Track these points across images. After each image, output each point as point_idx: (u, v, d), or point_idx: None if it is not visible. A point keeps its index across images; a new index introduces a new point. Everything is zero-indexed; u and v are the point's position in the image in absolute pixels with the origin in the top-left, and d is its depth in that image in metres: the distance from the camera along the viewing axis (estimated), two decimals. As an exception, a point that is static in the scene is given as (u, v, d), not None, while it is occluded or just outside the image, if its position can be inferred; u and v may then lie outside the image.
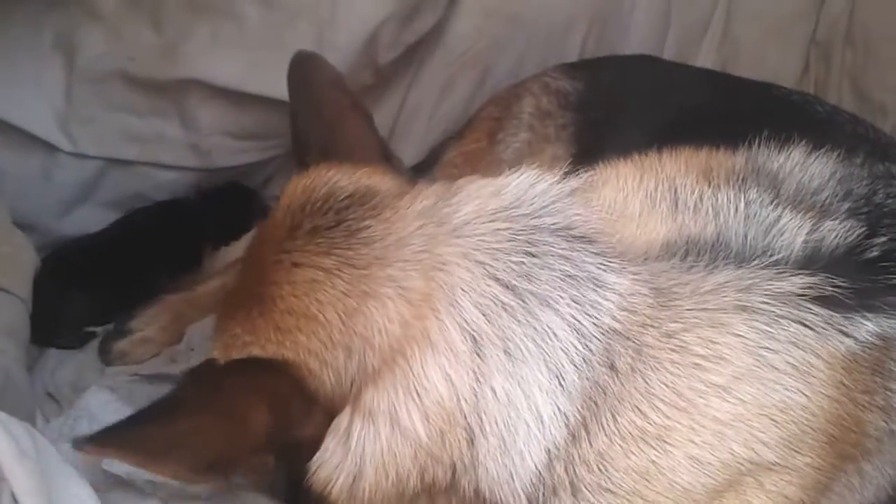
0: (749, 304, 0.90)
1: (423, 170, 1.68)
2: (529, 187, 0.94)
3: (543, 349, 0.87)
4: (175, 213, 1.66)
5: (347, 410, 0.87)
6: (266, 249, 0.91)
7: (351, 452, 0.87)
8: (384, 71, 1.69)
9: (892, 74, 1.76)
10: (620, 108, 1.49)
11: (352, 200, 0.92)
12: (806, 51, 1.87)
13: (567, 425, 0.88)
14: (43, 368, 1.40)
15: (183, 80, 1.60)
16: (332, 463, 0.88)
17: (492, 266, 0.88)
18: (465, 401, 0.86)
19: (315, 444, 0.88)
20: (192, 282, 1.58)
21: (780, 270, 0.92)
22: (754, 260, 0.93)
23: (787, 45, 1.86)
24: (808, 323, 0.90)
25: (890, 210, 1.03)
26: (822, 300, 0.91)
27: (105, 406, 1.30)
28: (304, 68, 1.10)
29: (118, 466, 1.10)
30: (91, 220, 1.64)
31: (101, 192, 1.66)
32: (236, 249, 1.57)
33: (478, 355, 0.86)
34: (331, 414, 0.88)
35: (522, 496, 0.90)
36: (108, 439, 0.80)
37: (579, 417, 0.88)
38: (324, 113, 1.06)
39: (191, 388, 0.87)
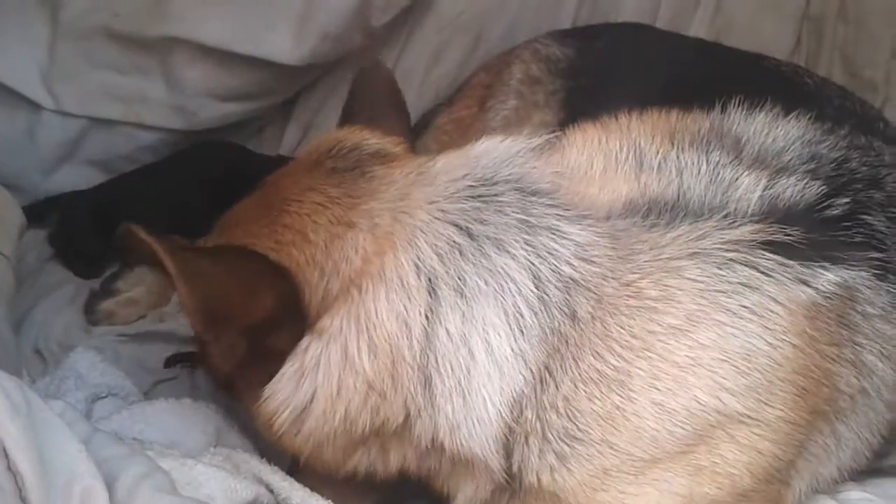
0: (700, 251, 0.92)
1: (413, 135, 1.67)
2: (494, 147, 1.00)
3: (497, 291, 0.90)
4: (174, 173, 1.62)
5: (307, 335, 0.90)
6: (287, 178, 0.99)
7: (303, 381, 0.90)
8: (376, 34, 1.67)
9: (883, 50, 1.76)
10: (610, 75, 1.49)
11: (373, 156, 1.00)
12: (799, 24, 1.87)
13: (529, 369, 0.90)
14: (30, 326, 1.39)
15: (168, 38, 1.57)
16: (284, 391, 0.91)
17: (449, 211, 0.93)
18: (416, 339, 0.89)
19: (278, 364, 0.91)
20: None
21: (733, 221, 0.94)
22: (711, 215, 0.96)
23: (780, 18, 1.85)
24: (760, 268, 0.92)
25: (862, 177, 1.05)
26: (774, 245, 0.93)
27: (92, 367, 1.29)
28: (370, 79, 1.17)
29: (106, 424, 1.10)
30: (75, 179, 1.63)
31: (85, 152, 1.65)
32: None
33: (429, 294, 0.90)
34: (301, 335, 0.91)
35: (491, 444, 0.91)
36: (160, 241, 0.85)
37: (542, 362, 0.90)
38: (375, 117, 1.11)
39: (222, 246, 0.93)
